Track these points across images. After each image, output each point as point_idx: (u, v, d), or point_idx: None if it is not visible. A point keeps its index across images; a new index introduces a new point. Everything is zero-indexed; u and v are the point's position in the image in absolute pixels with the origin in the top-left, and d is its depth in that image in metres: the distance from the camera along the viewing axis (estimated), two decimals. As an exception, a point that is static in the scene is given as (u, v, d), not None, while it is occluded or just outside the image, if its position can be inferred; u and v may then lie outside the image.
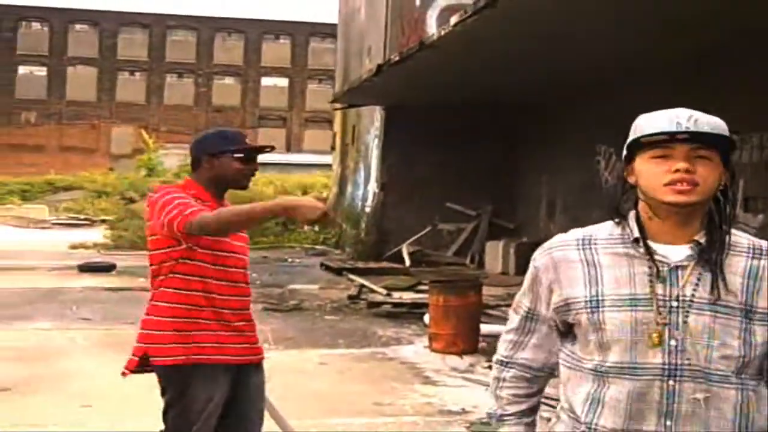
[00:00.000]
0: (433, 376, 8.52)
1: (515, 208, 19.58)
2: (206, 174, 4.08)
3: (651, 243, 2.21)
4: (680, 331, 2.15)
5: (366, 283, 14.72)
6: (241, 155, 4.10)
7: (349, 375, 8.72)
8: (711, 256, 2.17)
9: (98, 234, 24.97)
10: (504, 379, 2.46)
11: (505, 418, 2.46)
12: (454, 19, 10.96)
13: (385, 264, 18.50)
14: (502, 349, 2.50)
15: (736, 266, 2.19)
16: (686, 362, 2.14)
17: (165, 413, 3.99)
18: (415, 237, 19.04)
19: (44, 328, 10.89)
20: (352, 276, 16.50)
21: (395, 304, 12.88)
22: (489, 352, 8.54)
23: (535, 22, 10.14)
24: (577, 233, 2.32)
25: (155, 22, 61.16)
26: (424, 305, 10.80)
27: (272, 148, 4.53)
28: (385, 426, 6.84)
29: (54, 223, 31.25)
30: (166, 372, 3.93)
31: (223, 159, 4.07)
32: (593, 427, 2.24)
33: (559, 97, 15.99)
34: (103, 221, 27.30)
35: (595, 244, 2.27)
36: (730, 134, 2.18)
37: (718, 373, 2.14)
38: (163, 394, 3.99)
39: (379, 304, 13.04)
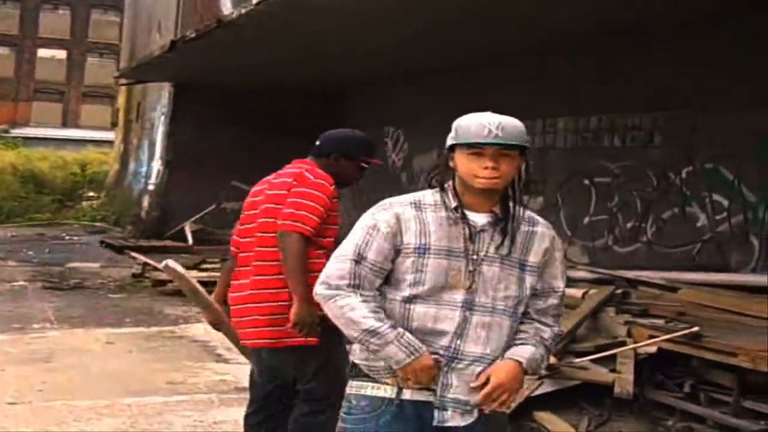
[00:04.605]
0: (225, 354, 8.35)
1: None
2: (329, 169, 4.45)
3: (465, 210, 2.95)
4: (478, 277, 2.92)
5: (150, 261, 14.29)
6: (366, 166, 4.56)
7: (138, 354, 8.47)
8: (502, 223, 2.96)
9: None
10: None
11: (382, 330, 2.86)
12: (254, -2, 10.80)
13: (168, 242, 18.06)
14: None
15: (520, 232, 2.99)
16: (479, 300, 2.93)
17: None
18: (199, 215, 18.65)
19: None
20: (134, 254, 16.02)
21: (183, 283, 12.54)
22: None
23: (327, 8, 10.22)
24: (409, 197, 3.00)
25: None
26: (212, 283, 10.57)
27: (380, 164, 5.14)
28: (179, 404, 6.68)
29: None
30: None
31: (351, 162, 4.51)
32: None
33: (352, 84, 16.17)
34: None
35: (424, 206, 2.96)
36: (525, 139, 2.95)
37: (500, 308, 2.96)
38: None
39: (164, 282, 12.67)
